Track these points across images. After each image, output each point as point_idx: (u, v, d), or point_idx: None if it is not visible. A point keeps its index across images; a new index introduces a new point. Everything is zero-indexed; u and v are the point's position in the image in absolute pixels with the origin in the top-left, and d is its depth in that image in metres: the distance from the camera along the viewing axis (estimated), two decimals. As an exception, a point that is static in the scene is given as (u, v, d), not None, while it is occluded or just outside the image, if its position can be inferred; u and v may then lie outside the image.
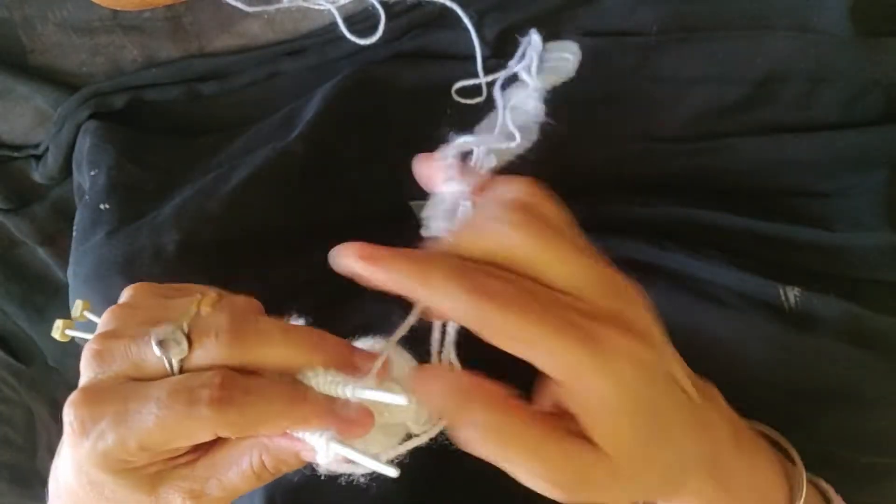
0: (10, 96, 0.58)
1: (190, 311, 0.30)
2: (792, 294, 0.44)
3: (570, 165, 0.54)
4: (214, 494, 0.31)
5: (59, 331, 0.41)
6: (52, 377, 0.67)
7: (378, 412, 0.31)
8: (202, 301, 0.31)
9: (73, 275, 0.51)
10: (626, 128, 0.53)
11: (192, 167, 0.54)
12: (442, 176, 0.33)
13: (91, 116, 0.56)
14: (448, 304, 0.27)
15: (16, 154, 0.60)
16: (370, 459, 0.29)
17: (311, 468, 0.45)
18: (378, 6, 0.52)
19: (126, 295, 0.35)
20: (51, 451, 0.70)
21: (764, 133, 0.51)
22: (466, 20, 0.51)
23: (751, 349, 0.44)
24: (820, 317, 0.43)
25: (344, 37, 0.53)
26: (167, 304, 0.32)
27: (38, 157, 0.60)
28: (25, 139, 0.60)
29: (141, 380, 0.30)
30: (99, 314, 0.35)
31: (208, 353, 0.29)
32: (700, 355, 0.45)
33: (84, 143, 0.56)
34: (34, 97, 0.57)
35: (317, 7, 0.54)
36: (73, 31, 0.56)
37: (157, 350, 0.29)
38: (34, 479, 0.70)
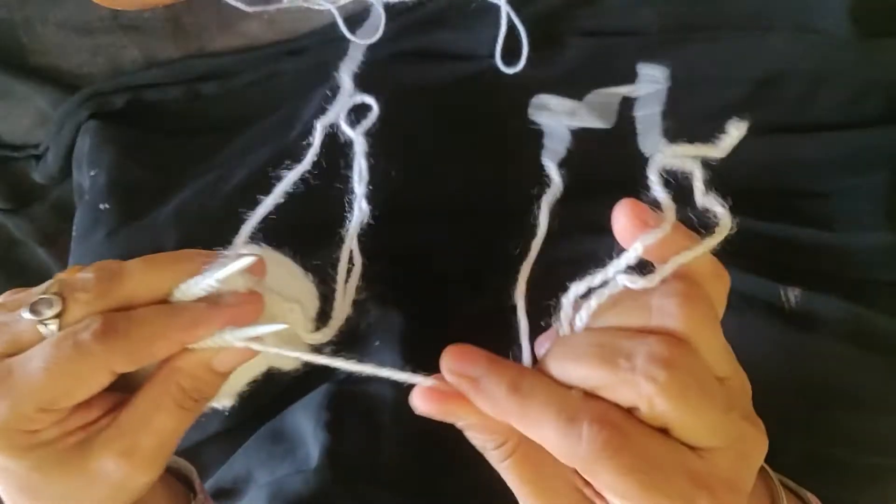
0: (10, 97, 0.58)
1: (56, 280, 0.29)
2: (792, 294, 0.44)
3: (570, 166, 0.54)
4: (146, 444, 0.29)
5: None
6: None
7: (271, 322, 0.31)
8: (66, 272, 0.30)
9: (74, 275, 0.51)
10: (627, 128, 0.53)
11: (192, 167, 0.54)
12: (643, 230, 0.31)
13: (91, 116, 0.56)
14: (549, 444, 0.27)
15: (16, 154, 0.60)
16: (274, 325, 0.30)
17: (308, 482, 0.45)
18: (379, 6, 0.52)
19: None
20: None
21: (764, 133, 0.51)
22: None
23: (751, 349, 0.43)
24: (820, 317, 0.43)
25: (344, 37, 0.53)
26: (32, 291, 0.31)
27: (39, 158, 0.60)
28: (26, 139, 0.60)
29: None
30: None
31: (82, 305, 0.28)
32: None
33: (84, 143, 0.56)
34: (34, 97, 0.57)
35: (317, 7, 0.54)
36: (73, 31, 0.56)
37: (29, 315, 0.28)
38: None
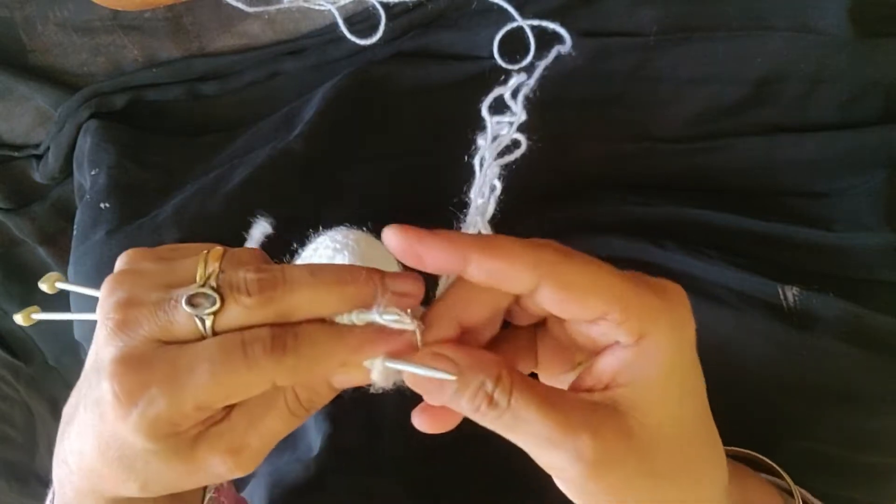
0: (10, 96, 0.58)
1: (207, 269, 0.29)
2: (791, 293, 0.44)
3: (571, 165, 0.54)
4: (252, 444, 0.30)
5: (25, 315, 0.38)
6: (51, 376, 0.67)
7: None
8: (209, 256, 0.29)
9: (74, 274, 0.51)
10: (626, 128, 0.53)
11: (192, 166, 0.54)
12: None
13: (92, 116, 0.56)
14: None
15: (16, 154, 0.60)
16: (427, 370, 0.29)
17: (309, 470, 0.45)
18: (378, 6, 0.52)
19: (123, 262, 0.32)
20: (50, 450, 0.70)
21: (764, 133, 0.51)
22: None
23: (750, 348, 0.44)
24: (819, 316, 0.43)
25: (344, 37, 0.53)
26: (173, 266, 0.30)
27: (39, 157, 0.60)
28: (26, 139, 0.60)
29: (174, 343, 0.29)
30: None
31: (241, 309, 0.28)
32: (700, 355, 0.45)
33: (85, 143, 0.56)
34: (35, 97, 0.57)
35: (317, 7, 0.54)
36: (73, 31, 0.56)
37: (188, 309, 0.28)
38: (33, 478, 0.70)
